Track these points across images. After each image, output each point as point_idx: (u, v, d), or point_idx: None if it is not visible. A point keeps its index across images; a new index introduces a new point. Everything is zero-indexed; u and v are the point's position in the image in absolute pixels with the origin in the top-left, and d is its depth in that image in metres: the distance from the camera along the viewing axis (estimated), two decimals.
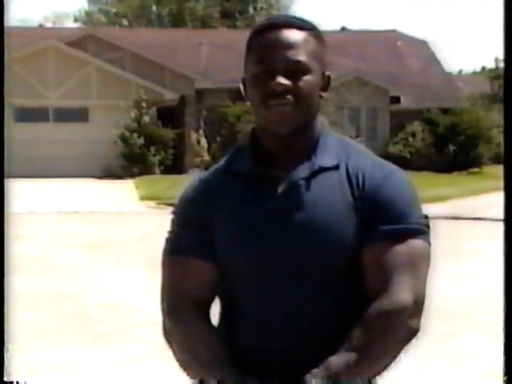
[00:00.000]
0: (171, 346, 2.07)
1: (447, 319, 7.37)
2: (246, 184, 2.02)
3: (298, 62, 1.94)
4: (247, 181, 2.02)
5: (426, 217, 2.02)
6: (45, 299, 8.51)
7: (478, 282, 9.49)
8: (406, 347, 1.94)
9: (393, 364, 1.95)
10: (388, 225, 1.94)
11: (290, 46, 1.95)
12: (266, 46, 1.96)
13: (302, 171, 1.99)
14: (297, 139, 2.01)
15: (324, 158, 2.01)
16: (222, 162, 2.13)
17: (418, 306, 1.93)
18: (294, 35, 1.96)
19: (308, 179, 1.99)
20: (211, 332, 2.03)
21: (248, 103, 2.03)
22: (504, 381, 2.08)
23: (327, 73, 2.04)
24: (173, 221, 2.12)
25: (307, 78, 1.96)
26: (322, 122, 2.08)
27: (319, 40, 2.02)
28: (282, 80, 1.93)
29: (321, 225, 1.95)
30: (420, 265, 1.95)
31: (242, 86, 2.06)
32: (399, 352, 1.94)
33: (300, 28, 1.98)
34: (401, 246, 1.93)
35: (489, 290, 8.66)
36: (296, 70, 1.94)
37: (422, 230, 1.97)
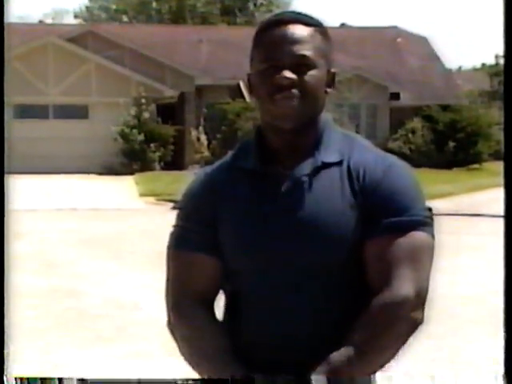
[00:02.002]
0: (176, 340, 2.08)
1: (446, 316, 7.37)
2: (250, 181, 2.03)
3: (304, 57, 1.95)
4: (251, 178, 2.03)
5: (430, 209, 2.01)
6: (44, 296, 8.51)
7: (478, 278, 9.49)
8: (408, 340, 1.94)
9: (396, 356, 1.95)
10: (390, 218, 1.94)
11: (295, 41, 1.96)
12: (272, 42, 1.97)
13: (305, 168, 2.00)
14: (301, 135, 2.02)
15: (327, 154, 2.01)
16: (227, 157, 2.13)
17: (420, 299, 1.92)
18: (300, 31, 1.97)
19: (311, 176, 1.99)
20: (215, 326, 2.04)
21: (248, 100, 2.03)
22: (504, 379, 2.08)
23: (332, 70, 2.05)
24: (178, 215, 2.12)
25: (312, 72, 1.96)
26: (326, 118, 2.08)
27: (325, 37, 2.03)
28: (287, 74, 1.94)
29: (323, 221, 1.95)
30: (423, 257, 1.95)
31: (245, 82, 2.06)
32: (402, 345, 1.94)
33: (306, 24, 1.99)
34: (403, 239, 1.93)
35: (488, 286, 8.66)
36: (301, 65, 1.95)
37: (424, 222, 1.97)
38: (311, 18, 2.05)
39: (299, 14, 2.06)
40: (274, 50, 1.96)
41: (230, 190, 2.05)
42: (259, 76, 1.99)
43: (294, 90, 1.94)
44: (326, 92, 2.03)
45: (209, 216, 2.05)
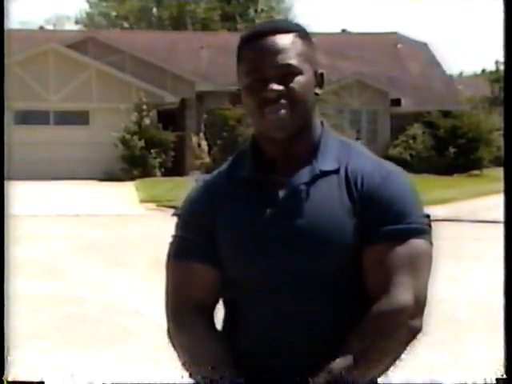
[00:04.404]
0: (175, 350, 2.08)
1: (447, 322, 7.37)
2: (248, 189, 2.03)
3: (288, 66, 1.95)
4: (249, 186, 2.03)
5: (428, 216, 2.01)
6: (46, 302, 8.50)
7: (479, 284, 9.48)
8: (408, 347, 1.94)
9: (396, 364, 1.95)
10: (388, 225, 1.93)
11: (277, 51, 1.95)
12: (254, 55, 1.97)
13: (303, 176, 1.99)
14: (296, 143, 2.01)
15: (325, 162, 2.01)
16: (224, 166, 2.13)
17: (419, 307, 1.92)
18: (280, 40, 1.96)
19: (309, 184, 1.98)
20: (214, 335, 2.04)
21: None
22: (504, 382, 2.08)
23: (319, 71, 2.04)
24: (177, 225, 2.12)
25: (298, 78, 1.96)
26: (323, 124, 2.08)
27: (306, 40, 2.02)
28: (274, 86, 1.94)
29: (321, 229, 1.94)
30: (421, 265, 1.95)
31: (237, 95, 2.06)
32: (401, 352, 1.94)
33: (285, 31, 1.98)
34: (401, 247, 1.93)
35: (489, 292, 8.64)
36: (287, 74, 1.95)
37: (422, 230, 1.96)
38: (289, 23, 2.07)
39: (277, 22, 2.08)
40: (256, 63, 1.96)
41: (228, 199, 2.04)
42: (246, 91, 1.99)
43: (283, 101, 1.94)
44: (316, 94, 2.03)
45: (207, 225, 2.05)
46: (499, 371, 2.10)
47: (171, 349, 2.11)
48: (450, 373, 5.99)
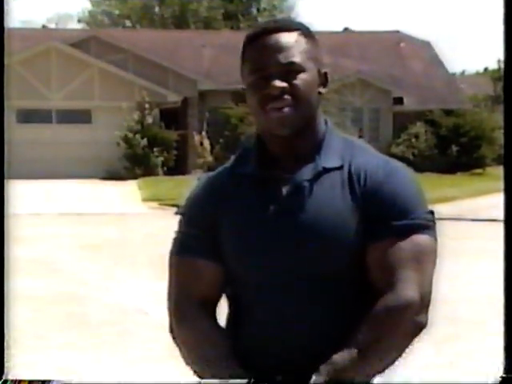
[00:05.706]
0: (178, 345, 2.08)
1: (449, 320, 7.36)
2: (251, 186, 2.04)
3: (292, 63, 1.96)
4: (252, 183, 2.04)
5: (432, 212, 2.01)
6: (48, 301, 8.50)
7: (481, 282, 9.47)
8: (412, 342, 1.95)
9: (399, 360, 1.95)
10: (392, 221, 1.94)
11: (281, 49, 1.97)
12: (257, 53, 1.98)
13: (306, 173, 2.00)
14: (300, 140, 2.02)
15: (328, 159, 2.02)
16: (229, 163, 2.14)
17: (424, 302, 1.93)
18: (283, 38, 1.98)
19: (312, 181, 1.99)
20: (216, 331, 2.05)
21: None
22: (503, 381, 2.08)
23: (323, 70, 2.05)
24: (180, 221, 2.13)
25: (302, 76, 1.97)
26: (327, 122, 2.09)
27: (310, 39, 2.03)
28: (277, 83, 1.95)
29: (323, 226, 1.95)
30: (425, 260, 1.95)
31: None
32: (406, 348, 1.94)
33: (289, 30, 2.00)
34: (405, 242, 1.93)
35: (491, 291, 8.64)
36: (291, 72, 1.96)
37: (426, 225, 1.97)
38: (293, 22, 2.08)
39: (281, 20, 2.09)
40: (260, 61, 1.97)
41: (232, 196, 2.05)
42: (250, 89, 2.00)
43: (286, 97, 1.95)
44: (319, 93, 2.04)
45: (210, 222, 2.05)
46: (499, 370, 2.10)
47: (174, 348, 2.11)
48: (451, 372, 5.99)
